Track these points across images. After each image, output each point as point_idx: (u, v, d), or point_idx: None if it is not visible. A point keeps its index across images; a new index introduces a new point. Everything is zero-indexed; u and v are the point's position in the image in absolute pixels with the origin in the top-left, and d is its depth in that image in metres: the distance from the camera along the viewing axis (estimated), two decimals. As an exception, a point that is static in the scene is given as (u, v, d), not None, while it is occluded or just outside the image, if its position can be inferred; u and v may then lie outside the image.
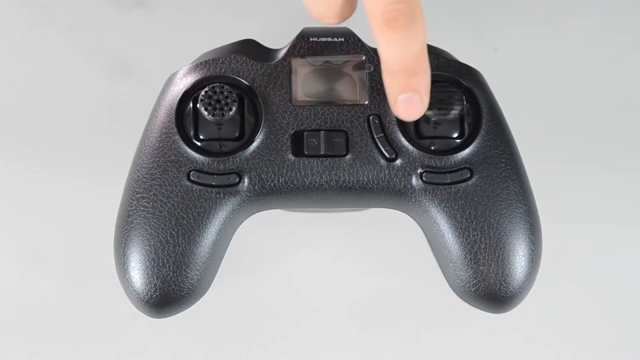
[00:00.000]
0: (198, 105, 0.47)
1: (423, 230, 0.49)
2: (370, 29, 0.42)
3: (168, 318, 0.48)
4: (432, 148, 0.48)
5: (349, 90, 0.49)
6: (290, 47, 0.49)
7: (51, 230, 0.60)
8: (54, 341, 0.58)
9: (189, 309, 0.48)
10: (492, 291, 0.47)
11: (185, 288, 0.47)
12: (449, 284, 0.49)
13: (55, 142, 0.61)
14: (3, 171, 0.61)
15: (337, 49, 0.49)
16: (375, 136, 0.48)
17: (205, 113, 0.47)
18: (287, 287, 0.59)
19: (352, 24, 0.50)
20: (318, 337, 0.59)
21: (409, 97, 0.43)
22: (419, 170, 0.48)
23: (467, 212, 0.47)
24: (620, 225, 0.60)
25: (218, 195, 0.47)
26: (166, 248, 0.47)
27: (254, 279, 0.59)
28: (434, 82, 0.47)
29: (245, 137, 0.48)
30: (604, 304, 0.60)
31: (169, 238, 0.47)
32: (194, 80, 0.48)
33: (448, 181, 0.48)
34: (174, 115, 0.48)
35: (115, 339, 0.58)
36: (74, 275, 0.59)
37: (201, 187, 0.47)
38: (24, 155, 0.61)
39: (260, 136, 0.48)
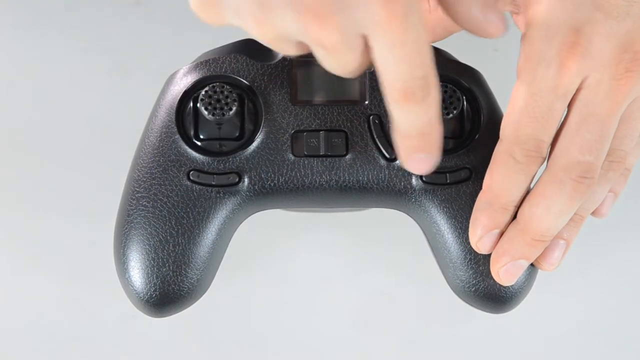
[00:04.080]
0: (198, 105, 0.47)
1: (423, 230, 0.49)
2: (384, 97, 0.42)
3: (168, 317, 0.48)
4: (432, 148, 0.48)
5: (349, 90, 0.49)
6: (290, 47, 0.49)
7: (51, 229, 0.60)
8: (54, 341, 0.58)
9: (189, 309, 0.48)
10: (492, 291, 0.47)
11: (185, 287, 0.47)
12: (449, 284, 0.49)
13: (55, 141, 0.61)
14: (3, 171, 0.61)
15: (338, 48, 0.49)
16: (375, 136, 0.48)
17: (205, 113, 0.47)
18: (287, 287, 0.59)
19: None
20: (318, 337, 0.59)
21: (422, 157, 0.43)
22: (419, 171, 0.48)
23: (467, 212, 0.47)
24: (620, 224, 0.60)
25: (218, 195, 0.47)
26: (166, 247, 0.47)
27: (254, 278, 0.59)
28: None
29: (245, 137, 0.48)
30: (604, 304, 0.60)
31: (168, 237, 0.47)
32: (194, 79, 0.48)
33: (448, 181, 0.48)
34: (174, 114, 0.48)
35: (115, 339, 0.58)
36: (74, 275, 0.59)
37: (201, 187, 0.47)
38: (24, 155, 0.61)
39: (260, 136, 0.48)
